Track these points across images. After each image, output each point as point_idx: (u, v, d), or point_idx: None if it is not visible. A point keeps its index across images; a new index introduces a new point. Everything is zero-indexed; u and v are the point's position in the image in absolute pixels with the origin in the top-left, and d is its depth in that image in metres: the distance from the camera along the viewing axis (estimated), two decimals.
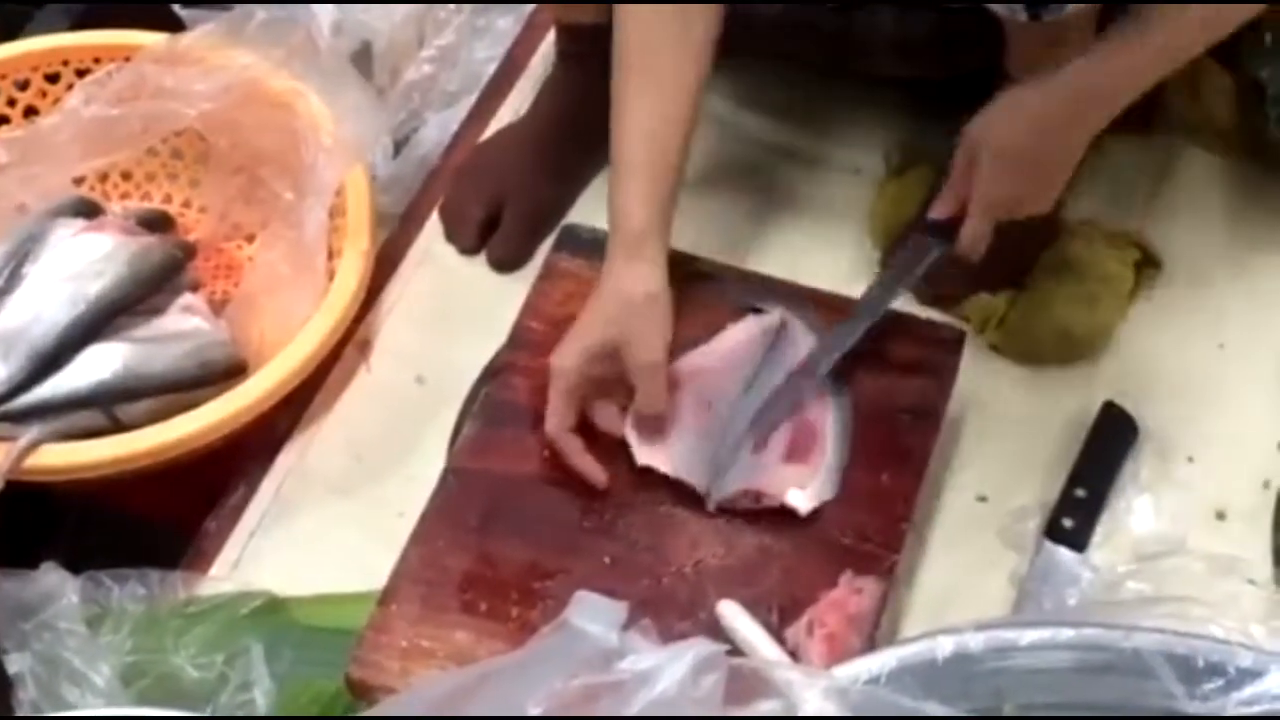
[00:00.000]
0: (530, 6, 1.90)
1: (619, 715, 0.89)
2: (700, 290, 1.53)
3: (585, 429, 1.43)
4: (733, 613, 1.30)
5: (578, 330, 1.42)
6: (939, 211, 1.48)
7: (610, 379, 1.42)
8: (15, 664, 1.32)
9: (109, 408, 1.48)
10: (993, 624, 1.09)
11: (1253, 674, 1.05)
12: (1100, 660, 1.06)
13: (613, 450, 1.43)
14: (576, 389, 1.41)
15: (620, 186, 1.43)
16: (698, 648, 0.91)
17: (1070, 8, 1.41)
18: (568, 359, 1.41)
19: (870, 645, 1.29)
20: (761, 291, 1.54)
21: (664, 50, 1.44)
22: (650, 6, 1.43)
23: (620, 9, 1.44)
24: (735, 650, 1.26)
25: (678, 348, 1.45)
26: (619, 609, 0.98)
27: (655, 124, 1.43)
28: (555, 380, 1.41)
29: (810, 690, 0.98)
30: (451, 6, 1.90)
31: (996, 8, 1.44)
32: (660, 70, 1.44)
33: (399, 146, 1.82)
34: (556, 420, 1.41)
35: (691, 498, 1.41)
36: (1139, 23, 1.36)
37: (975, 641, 1.07)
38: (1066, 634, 1.07)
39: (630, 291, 1.41)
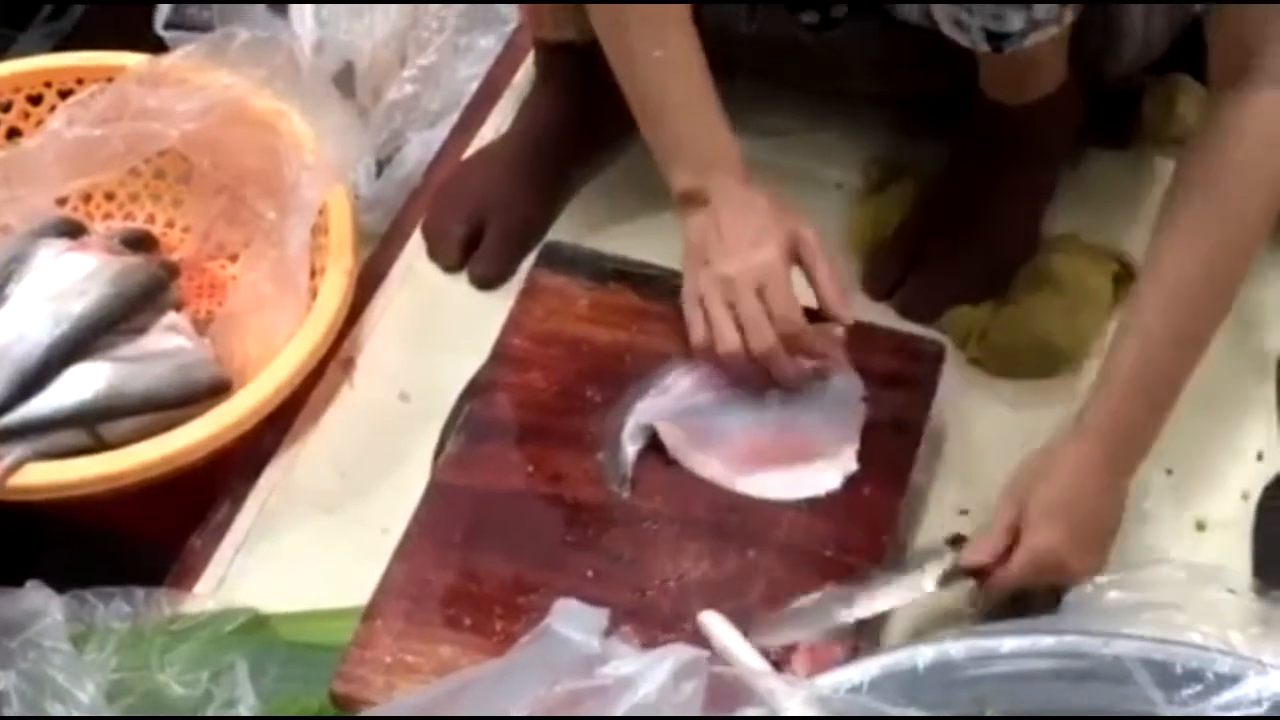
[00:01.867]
0: (511, 27, 1.91)
1: (601, 717, 0.89)
2: None
3: (576, 435, 1.45)
4: (715, 623, 1.30)
5: (754, 239, 1.43)
6: (977, 556, 1.34)
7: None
8: (0, 682, 1.32)
9: (93, 426, 1.48)
10: (973, 632, 1.09)
11: (1230, 679, 1.06)
12: (1080, 667, 1.07)
13: (599, 462, 1.44)
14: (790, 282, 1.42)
15: (691, 123, 1.47)
16: (678, 653, 0.92)
17: (1031, 41, 1.42)
18: (773, 260, 1.42)
19: (853, 657, 1.29)
20: None
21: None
22: None
23: None
24: (718, 660, 1.26)
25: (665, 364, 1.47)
26: (600, 615, 0.99)
27: (683, 57, 1.46)
28: (778, 281, 1.42)
29: (792, 698, 0.98)
30: (434, 26, 1.91)
31: (959, 39, 1.46)
32: (663, 16, 1.46)
33: (382, 166, 1.82)
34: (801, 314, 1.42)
35: (675, 511, 1.41)
36: (1115, 352, 1.37)
37: (956, 649, 1.08)
38: (1046, 641, 1.08)
39: (767, 204, 1.45)
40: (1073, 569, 1.32)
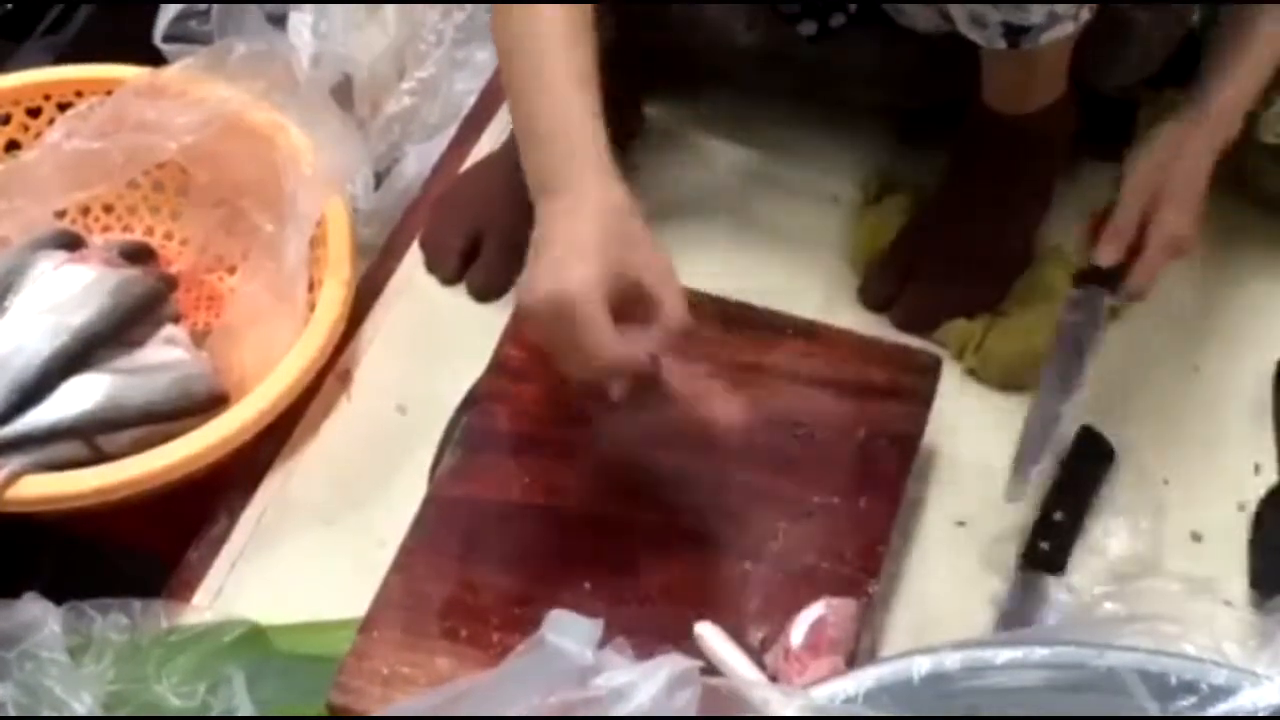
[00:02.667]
0: None
1: None
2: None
3: (573, 447, 1.45)
4: (710, 634, 1.31)
5: (565, 258, 1.25)
6: (1109, 258, 1.52)
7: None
8: None
9: (91, 439, 1.48)
10: (968, 643, 1.09)
11: (1225, 691, 1.06)
12: (1074, 678, 1.07)
13: (593, 471, 1.44)
14: (603, 306, 1.24)
15: (559, 105, 1.34)
16: (672, 664, 0.92)
17: (1048, 37, 1.43)
18: (582, 281, 1.23)
19: (849, 668, 1.30)
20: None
21: None
22: None
23: None
24: (713, 672, 1.26)
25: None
26: (594, 626, 0.99)
27: (567, 31, 1.36)
28: (582, 306, 1.22)
29: (786, 709, 0.98)
30: (432, 39, 1.91)
31: (975, 37, 1.46)
32: None
33: (380, 178, 1.83)
34: (616, 343, 1.24)
35: (670, 522, 1.41)
36: (1243, 29, 1.42)
37: (951, 661, 1.08)
38: (1041, 653, 1.08)
39: (620, 206, 1.30)
40: (1190, 245, 1.52)
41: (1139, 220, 1.51)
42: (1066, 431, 1.51)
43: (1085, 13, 1.41)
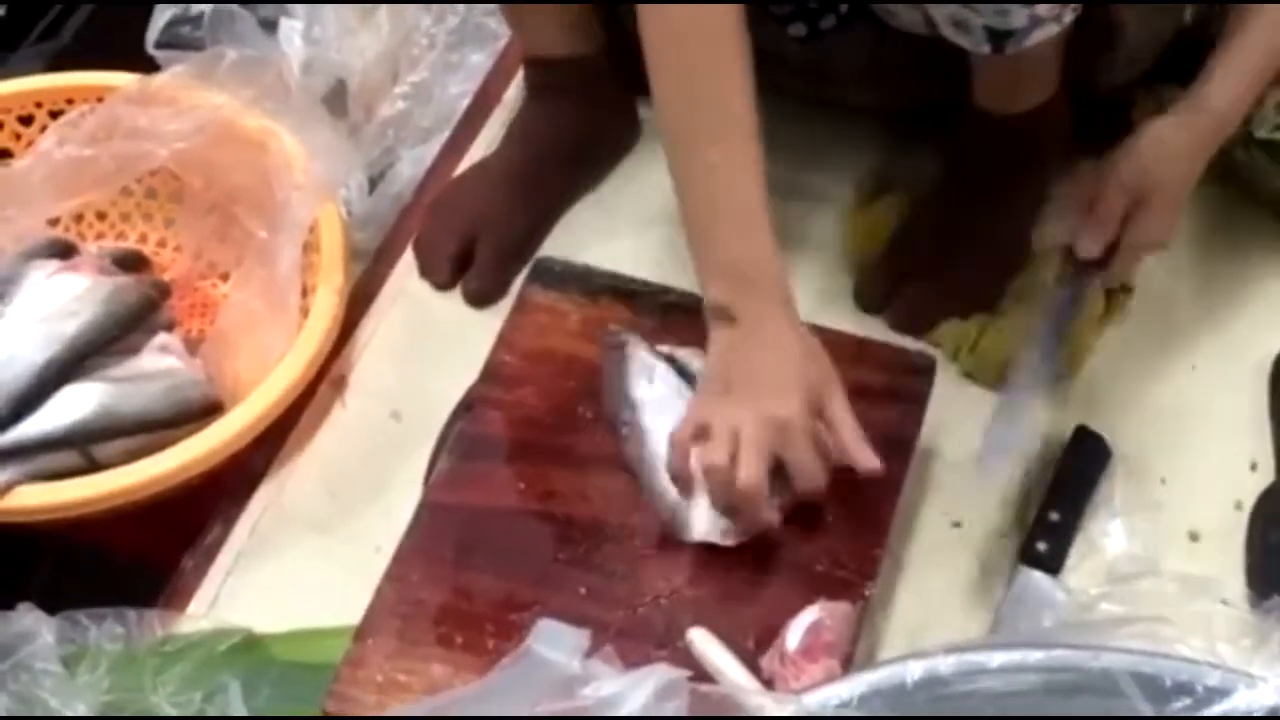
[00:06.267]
0: (502, 43, 1.92)
1: None
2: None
3: (566, 453, 1.45)
4: (703, 640, 1.30)
5: (770, 390, 1.35)
6: (1091, 250, 1.52)
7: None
8: None
9: (85, 448, 1.48)
10: (962, 647, 1.09)
11: (1220, 692, 1.05)
12: (1069, 681, 1.07)
13: (587, 476, 1.44)
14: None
15: (734, 234, 1.37)
16: (659, 674, 0.92)
17: (1033, 40, 1.42)
18: (792, 411, 1.33)
19: (845, 672, 1.29)
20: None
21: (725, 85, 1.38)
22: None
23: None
24: (705, 678, 1.26)
25: None
26: (581, 636, 0.98)
27: (740, 162, 1.38)
28: (788, 433, 1.33)
29: (779, 715, 0.98)
30: (425, 43, 1.91)
31: (959, 41, 1.45)
32: (727, 115, 1.38)
33: (374, 183, 1.83)
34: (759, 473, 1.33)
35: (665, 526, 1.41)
36: (1237, 30, 1.45)
37: (945, 665, 1.07)
38: (1035, 655, 1.08)
39: (808, 341, 1.38)
40: (1167, 244, 1.53)
41: (1120, 215, 1.50)
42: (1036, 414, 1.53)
43: (1068, 14, 1.40)
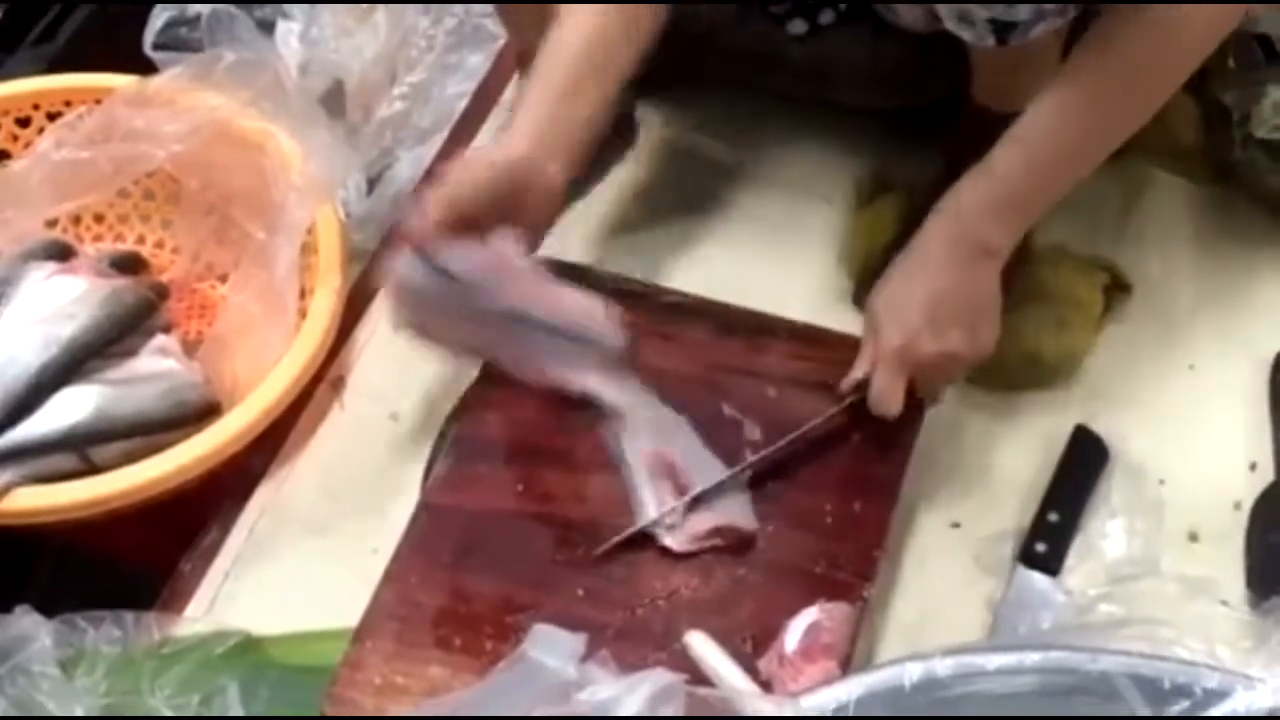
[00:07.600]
0: (500, 44, 1.92)
1: None
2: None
3: (564, 455, 1.44)
4: (701, 643, 1.30)
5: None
6: (850, 380, 1.46)
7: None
8: None
9: (82, 450, 1.48)
10: (960, 649, 1.09)
11: (1219, 694, 1.05)
12: (1067, 683, 1.07)
13: (584, 478, 1.44)
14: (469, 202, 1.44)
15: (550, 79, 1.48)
16: (655, 678, 0.92)
17: (1036, 32, 1.42)
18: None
19: (844, 674, 1.29)
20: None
21: None
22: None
23: None
24: (705, 680, 1.26)
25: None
26: (577, 640, 0.98)
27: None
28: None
29: (777, 717, 0.98)
30: (423, 44, 1.91)
31: (963, 34, 1.45)
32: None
33: (372, 184, 1.82)
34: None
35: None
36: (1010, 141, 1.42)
37: (943, 667, 1.07)
38: (1033, 658, 1.08)
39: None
40: (964, 363, 1.45)
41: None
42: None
43: (1072, 8, 1.40)
